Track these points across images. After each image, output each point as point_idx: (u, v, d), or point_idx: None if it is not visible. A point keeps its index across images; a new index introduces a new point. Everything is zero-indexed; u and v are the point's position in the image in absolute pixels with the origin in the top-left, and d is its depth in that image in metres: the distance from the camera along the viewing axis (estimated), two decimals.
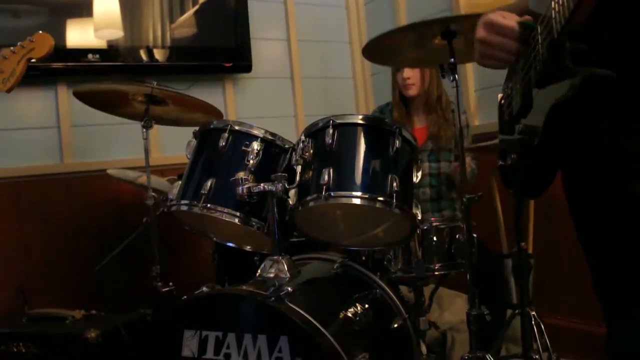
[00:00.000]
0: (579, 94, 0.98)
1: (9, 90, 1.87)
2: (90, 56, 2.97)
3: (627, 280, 1.06)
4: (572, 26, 0.95)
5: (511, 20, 1.14)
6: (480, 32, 1.17)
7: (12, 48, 1.88)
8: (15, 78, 1.86)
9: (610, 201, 1.05)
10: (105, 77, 2.71)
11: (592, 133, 1.06)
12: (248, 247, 2.00)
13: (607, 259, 1.09)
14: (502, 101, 1.35)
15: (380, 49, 2.06)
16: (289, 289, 1.53)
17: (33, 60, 1.91)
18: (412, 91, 2.71)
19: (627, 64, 0.99)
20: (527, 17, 1.14)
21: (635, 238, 1.02)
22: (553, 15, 0.98)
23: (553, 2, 0.97)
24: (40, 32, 1.91)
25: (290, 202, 1.68)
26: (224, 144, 1.76)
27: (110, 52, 3.06)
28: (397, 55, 2.12)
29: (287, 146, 1.81)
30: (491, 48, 1.17)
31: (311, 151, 1.70)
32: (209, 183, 1.73)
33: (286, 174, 1.67)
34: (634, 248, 1.03)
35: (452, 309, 2.79)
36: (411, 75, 2.68)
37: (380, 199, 1.63)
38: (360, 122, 1.73)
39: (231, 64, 3.39)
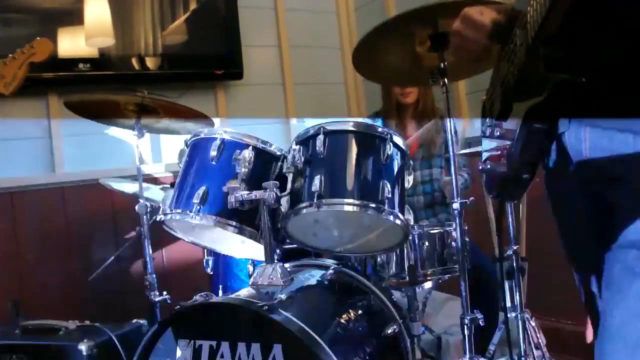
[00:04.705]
0: (552, 99, 1.00)
1: (10, 94, 2.00)
2: (81, 65, 2.98)
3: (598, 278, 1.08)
4: (545, 31, 0.97)
5: (486, 17, 1.18)
6: (456, 24, 1.23)
7: (12, 55, 2.00)
8: (17, 82, 1.99)
9: (582, 206, 1.08)
10: (97, 87, 2.72)
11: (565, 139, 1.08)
12: (241, 255, 2.00)
13: (582, 261, 1.13)
14: (485, 105, 1.36)
15: (370, 62, 2.05)
16: (283, 296, 1.53)
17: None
18: (411, 98, 2.69)
19: (596, 69, 1.01)
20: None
21: (606, 243, 1.03)
22: (529, 20, 1.00)
23: (530, 8, 0.99)
24: (39, 37, 2.02)
25: (283, 210, 1.68)
26: (215, 152, 1.76)
27: (101, 61, 3.07)
28: (387, 70, 2.11)
29: (278, 154, 1.81)
30: (463, 40, 1.22)
31: (303, 159, 1.70)
32: (201, 192, 1.72)
33: (278, 182, 1.67)
34: (605, 251, 1.04)
35: (445, 312, 2.80)
36: None
37: (372, 205, 1.63)
38: (352, 129, 1.73)
39: (222, 72, 3.40)
